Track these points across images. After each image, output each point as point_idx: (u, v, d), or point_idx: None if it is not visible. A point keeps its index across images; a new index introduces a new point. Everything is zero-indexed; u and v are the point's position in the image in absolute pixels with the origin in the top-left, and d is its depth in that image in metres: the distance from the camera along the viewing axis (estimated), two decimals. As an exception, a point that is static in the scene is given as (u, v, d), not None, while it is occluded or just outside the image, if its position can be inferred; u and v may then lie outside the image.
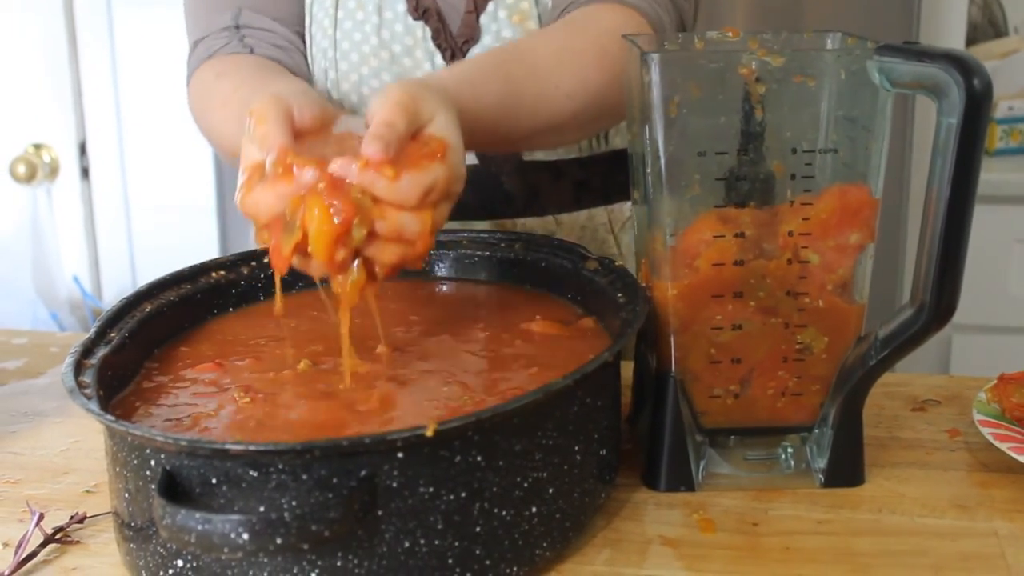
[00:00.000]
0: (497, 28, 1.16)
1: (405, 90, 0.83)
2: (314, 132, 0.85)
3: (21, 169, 2.34)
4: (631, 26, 1.07)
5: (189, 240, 2.36)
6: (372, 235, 0.79)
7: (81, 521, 0.87)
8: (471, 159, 1.19)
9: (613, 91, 1.04)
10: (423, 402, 0.82)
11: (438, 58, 1.16)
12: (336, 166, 0.78)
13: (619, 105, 0.99)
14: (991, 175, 2.29)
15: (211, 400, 0.83)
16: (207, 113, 1.14)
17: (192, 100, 1.18)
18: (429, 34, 1.16)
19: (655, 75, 0.83)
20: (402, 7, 1.16)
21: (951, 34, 2.39)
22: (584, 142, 1.22)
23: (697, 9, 1.22)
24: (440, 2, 1.17)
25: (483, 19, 1.16)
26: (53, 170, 2.39)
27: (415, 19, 1.16)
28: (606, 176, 1.25)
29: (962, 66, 0.77)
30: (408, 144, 0.81)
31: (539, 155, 1.22)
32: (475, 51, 1.16)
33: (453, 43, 1.16)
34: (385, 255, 0.81)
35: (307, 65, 1.21)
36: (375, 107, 0.82)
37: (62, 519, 0.87)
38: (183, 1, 1.24)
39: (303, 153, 0.80)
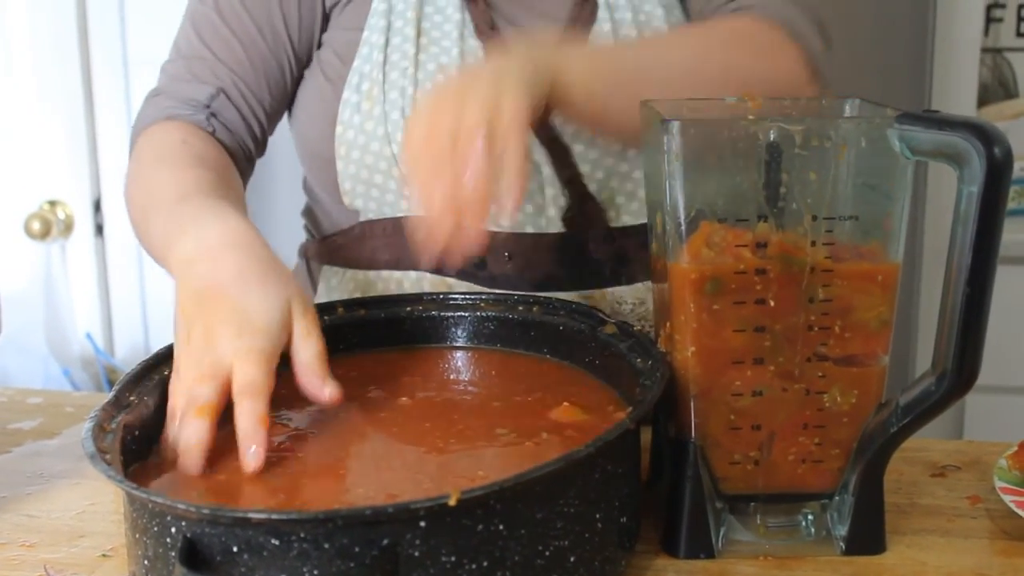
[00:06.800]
0: None
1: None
2: None
3: (36, 225, 2.34)
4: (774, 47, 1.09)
5: (202, 297, 2.36)
6: None
7: (98, 586, 0.87)
8: (557, 227, 1.19)
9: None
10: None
11: None
12: None
13: None
14: (1003, 236, 2.29)
15: (231, 465, 0.83)
16: (153, 168, 1.12)
17: (142, 152, 1.18)
18: None
19: (675, 142, 0.83)
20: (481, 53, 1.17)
21: (963, 96, 2.40)
22: None
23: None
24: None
25: None
26: (67, 227, 2.40)
27: None
28: None
29: (983, 135, 0.77)
30: None
31: (626, 219, 1.22)
32: None
33: None
34: None
35: (246, 159, 1.23)
36: None
37: (79, 584, 0.87)
38: (175, 39, 1.25)
39: None
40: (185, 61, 1.22)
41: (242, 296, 0.88)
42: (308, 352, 0.89)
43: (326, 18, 1.23)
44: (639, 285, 1.22)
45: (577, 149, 1.16)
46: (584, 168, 1.16)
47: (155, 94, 1.23)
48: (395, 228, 1.21)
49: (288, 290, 0.91)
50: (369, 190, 1.20)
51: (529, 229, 1.18)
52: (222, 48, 1.21)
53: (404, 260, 1.22)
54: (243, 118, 1.21)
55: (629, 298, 1.22)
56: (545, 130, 1.16)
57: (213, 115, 1.19)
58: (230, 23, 1.21)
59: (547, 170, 1.16)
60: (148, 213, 1.07)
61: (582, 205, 1.17)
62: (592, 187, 1.17)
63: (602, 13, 1.18)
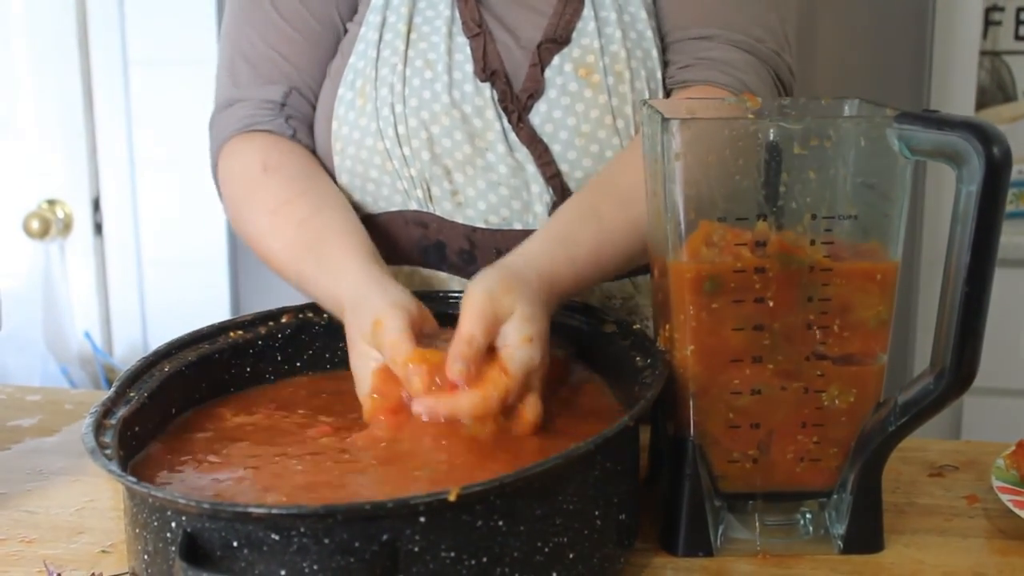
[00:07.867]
0: (563, 82, 1.16)
1: (484, 291, 0.92)
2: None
3: (35, 224, 2.35)
4: None
5: (201, 296, 2.36)
6: None
7: (98, 582, 0.87)
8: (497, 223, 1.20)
9: None
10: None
11: (506, 120, 1.17)
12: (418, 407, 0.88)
13: None
14: (1001, 238, 2.29)
15: (231, 462, 0.83)
16: (248, 208, 1.18)
17: (227, 177, 1.22)
18: (496, 96, 1.17)
19: (675, 141, 0.84)
20: (470, 68, 1.17)
21: (961, 98, 2.40)
22: None
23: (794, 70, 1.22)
24: (506, 61, 1.18)
25: (548, 73, 1.17)
26: (67, 226, 2.40)
27: (482, 81, 1.17)
28: None
29: (982, 134, 0.77)
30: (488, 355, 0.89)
31: None
32: (541, 106, 1.17)
33: (519, 104, 1.17)
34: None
35: (322, 149, 1.26)
36: (462, 311, 0.91)
37: (79, 579, 0.87)
38: (221, 50, 1.26)
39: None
40: (250, 65, 1.23)
41: (354, 368, 0.97)
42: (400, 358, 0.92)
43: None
44: (626, 280, 1.22)
45: (555, 149, 1.16)
46: (563, 167, 1.17)
47: (228, 103, 1.24)
48: (388, 223, 1.22)
49: (364, 318, 0.95)
50: (365, 184, 1.21)
51: (517, 226, 1.19)
52: (288, 48, 1.23)
53: (397, 255, 1.22)
54: (313, 109, 1.24)
55: (618, 293, 1.22)
56: (525, 128, 1.16)
57: (291, 116, 1.22)
58: (292, 22, 1.22)
59: (531, 167, 1.16)
60: (280, 265, 1.15)
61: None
62: (573, 185, 1.17)
63: (587, 11, 1.18)
